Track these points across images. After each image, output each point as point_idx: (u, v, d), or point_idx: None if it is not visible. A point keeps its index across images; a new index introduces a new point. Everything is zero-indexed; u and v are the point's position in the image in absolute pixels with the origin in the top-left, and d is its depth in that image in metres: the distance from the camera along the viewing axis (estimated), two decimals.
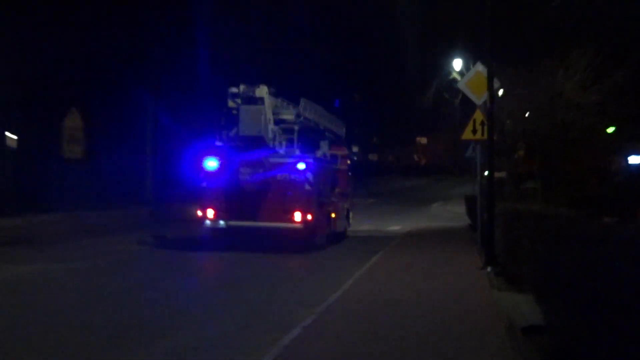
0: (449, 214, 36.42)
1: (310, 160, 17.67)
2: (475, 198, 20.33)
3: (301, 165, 17.41)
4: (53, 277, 13.07)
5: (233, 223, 17.30)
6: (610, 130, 29.04)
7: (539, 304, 8.53)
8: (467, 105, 24.23)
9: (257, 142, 17.25)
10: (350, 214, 23.18)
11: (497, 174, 15.94)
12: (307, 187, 17.35)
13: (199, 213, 17.55)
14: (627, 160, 41.24)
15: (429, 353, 7.31)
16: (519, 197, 22.91)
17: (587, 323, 5.46)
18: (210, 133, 18.33)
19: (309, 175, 17.39)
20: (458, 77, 27.18)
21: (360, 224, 26.40)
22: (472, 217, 24.21)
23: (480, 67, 15.75)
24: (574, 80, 17.70)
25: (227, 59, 38.47)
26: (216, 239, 17.68)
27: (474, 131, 15.85)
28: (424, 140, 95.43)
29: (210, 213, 17.42)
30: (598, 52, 17.94)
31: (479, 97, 15.27)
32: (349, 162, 23.12)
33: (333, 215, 19.90)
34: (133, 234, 21.39)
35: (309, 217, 17.37)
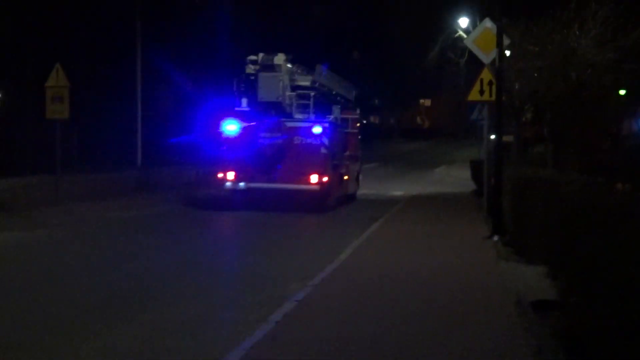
0: (453, 178, 36.14)
1: (326, 125, 19.01)
2: (481, 162, 20.40)
3: (317, 129, 18.74)
4: (30, 245, 12.77)
5: (252, 184, 18.71)
6: (622, 92, 28.59)
7: (551, 278, 8.24)
8: (473, 65, 23.72)
9: (274, 107, 18.87)
10: (360, 177, 24.71)
11: (504, 138, 15.55)
12: (323, 150, 18.73)
13: (220, 175, 19.01)
14: (638, 124, 40.90)
15: (427, 335, 6.93)
16: (527, 162, 22.47)
17: (606, 302, 5.17)
18: (210, 96, 19.24)
19: (324, 139, 18.74)
20: (464, 35, 26.58)
21: (363, 188, 26.27)
22: (478, 183, 24.00)
23: (489, 24, 15.32)
24: (589, 37, 17.08)
25: (221, 17, 38.03)
26: (235, 199, 19.24)
27: (481, 92, 15.40)
28: (427, 102, 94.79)
29: (230, 175, 18.81)
30: (617, 4, 17.28)
31: (487, 55, 14.85)
32: (358, 125, 24.66)
33: (345, 177, 21.56)
34: (120, 199, 21.21)
35: (325, 179, 18.71)
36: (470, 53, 28.02)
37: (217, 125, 19.10)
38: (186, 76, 37.49)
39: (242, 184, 18.78)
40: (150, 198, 22.38)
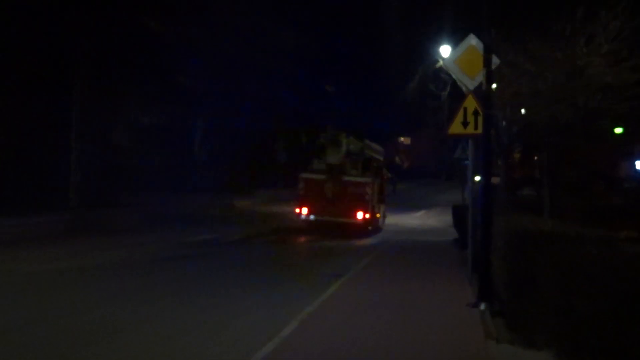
0: (433, 225, 35.24)
1: (368, 180, 28.99)
2: (465, 208, 19.00)
3: (363, 182, 28.98)
4: None
5: (319, 217, 28.72)
6: (619, 130, 27.23)
7: None
8: (457, 98, 22.45)
9: (337, 167, 29.28)
10: (386, 215, 34.38)
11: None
12: (366, 197, 28.71)
13: (297, 210, 29.04)
14: (635, 166, 39.64)
15: None
16: (516, 206, 20.88)
17: None
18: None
19: (367, 190, 28.77)
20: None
21: (328, 238, 26.02)
22: (461, 231, 22.42)
23: (473, 41, 13.81)
24: (600, 54, 15.19)
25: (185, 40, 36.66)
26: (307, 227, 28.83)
27: (465, 123, 13.91)
28: (407, 140, 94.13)
29: (304, 211, 28.79)
30: (634, 15, 15.40)
31: (472, 79, 13.28)
32: (386, 177, 36.40)
33: (377, 215, 31.42)
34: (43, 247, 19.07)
35: (367, 216, 28.55)
36: (453, 85, 26.47)
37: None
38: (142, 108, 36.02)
39: (312, 217, 28.81)
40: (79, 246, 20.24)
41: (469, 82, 13.83)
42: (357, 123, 69.98)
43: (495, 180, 21.44)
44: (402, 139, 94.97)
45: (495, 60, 12.53)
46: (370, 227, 29.69)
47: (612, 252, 7.51)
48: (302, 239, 25.85)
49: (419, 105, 44.81)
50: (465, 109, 13.86)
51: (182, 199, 38.52)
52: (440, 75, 30.05)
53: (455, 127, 14.07)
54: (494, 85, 13.69)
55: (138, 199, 33.49)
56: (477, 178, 14.62)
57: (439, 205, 46.76)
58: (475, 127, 13.62)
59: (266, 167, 51.29)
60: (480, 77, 12.68)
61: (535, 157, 35.63)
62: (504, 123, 23.21)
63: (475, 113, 13.59)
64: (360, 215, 28.72)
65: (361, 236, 27.51)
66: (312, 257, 20.92)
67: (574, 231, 9.08)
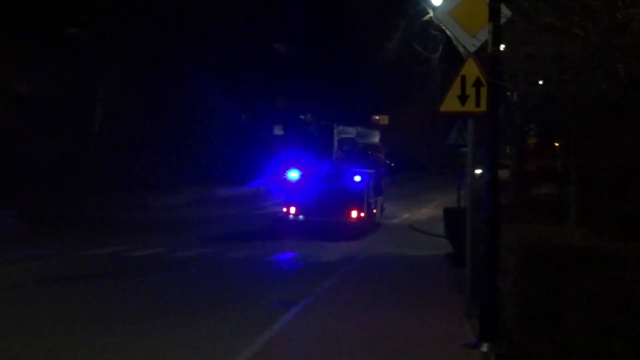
0: (420, 233, 35.94)
1: (363, 173, 33.92)
2: (461, 212, 19.22)
3: (357, 178, 33.68)
4: None
5: (309, 217, 33.18)
6: None
7: None
8: (452, 63, 22.36)
9: (328, 160, 34.74)
10: (385, 206, 40.77)
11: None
12: (360, 193, 33.62)
13: (284, 210, 33.88)
14: None
15: None
16: (532, 210, 20.99)
17: None
18: None
19: (362, 185, 33.68)
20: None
21: (284, 250, 26.97)
22: (456, 243, 22.56)
23: None
24: None
25: None
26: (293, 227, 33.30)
27: (463, 97, 14.11)
28: (384, 119, 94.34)
29: (292, 210, 33.55)
30: None
31: (473, 35, 13.28)
32: (383, 157, 42.78)
33: (374, 210, 36.76)
34: None
35: (362, 214, 33.51)
36: (448, 45, 26.44)
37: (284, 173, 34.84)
38: None
39: (301, 217, 33.44)
40: None
41: (468, 41, 13.93)
42: (311, 94, 70.60)
43: (503, 174, 21.51)
44: (377, 117, 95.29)
45: (506, 11, 12.55)
46: (365, 227, 34.34)
47: None
48: (245, 251, 25.91)
49: (400, 73, 44.81)
50: (463, 78, 13.97)
51: (81, 197, 38.20)
52: (429, 32, 29.95)
53: (450, 103, 14.21)
54: (502, 46, 13.63)
55: (22, 197, 33.27)
56: (479, 171, 14.60)
57: (427, 207, 47.32)
58: (477, 103, 13.75)
59: (196, 157, 51.36)
60: (484, 34, 12.64)
61: (557, 144, 35.84)
62: (515, 97, 23.18)
63: (477, 84, 13.70)
64: (354, 214, 33.40)
65: (338, 241, 31.04)
66: (261, 277, 21.12)
67: (612, 246, 9.02)
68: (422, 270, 22.44)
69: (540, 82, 19.86)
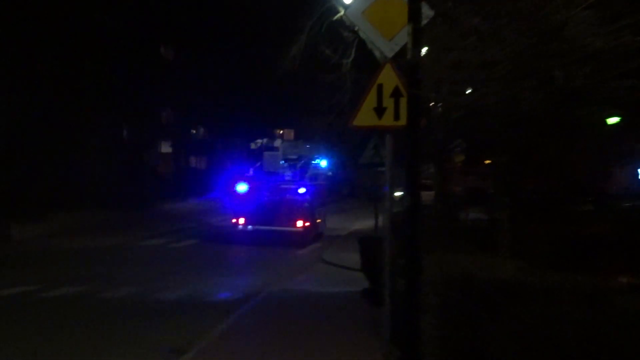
0: (331, 266, 35.30)
1: (306, 186, 45.03)
2: (378, 242, 18.57)
3: (301, 190, 44.54)
4: None
5: (257, 227, 41.04)
6: (613, 121, 27.92)
7: None
8: (366, 69, 22.45)
9: (273, 174, 57.29)
10: (326, 218, 48.62)
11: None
12: (305, 204, 42.67)
13: (233, 220, 41.90)
14: (637, 174, 41.00)
15: None
16: (457, 238, 21.14)
17: None
18: None
19: (306, 196, 43.63)
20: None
21: (167, 290, 26.25)
22: (373, 278, 22.43)
23: None
24: (588, 2, 15.27)
25: None
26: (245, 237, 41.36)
27: (379, 110, 14.25)
28: (289, 133, 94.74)
29: (242, 220, 41.50)
30: None
31: (390, 38, 13.35)
32: (329, 174, 60.01)
33: (318, 220, 44.63)
34: None
35: (307, 224, 41.42)
36: (361, 49, 26.65)
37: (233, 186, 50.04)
38: None
39: (250, 226, 41.15)
40: None
41: (385, 46, 13.99)
42: (205, 106, 70.35)
43: (428, 196, 21.66)
44: (280, 131, 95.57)
45: (427, 12, 12.69)
46: (310, 236, 42.97)
47: (607, 311, 7.79)
48: (127, 289, 25.66)
49: (307, 81, 44.79)
50: (380, 87, 14.06)
51: None
52: (340, 33, 30.01)
53: (365, 116, 14.32)
54: (424, 50, 13.78)
55: None
56: (399, 194, 14.65)
57: (340, 236, 47.21)
58: (396, 116, 13.86)
59: (66, 179, 50.65)
60: (403, 38, 12.77)
61: (487, 162, 36.19)
62: (439, 109, 23.38)
63: (396, 94, 13.83)
64: (300, 223, 41.70)
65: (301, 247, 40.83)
66: (143, 317, 21.06)
67: (547, 279, 9.19)
68: (333, 310, 22.31)
69: (467, 92, 20.14)
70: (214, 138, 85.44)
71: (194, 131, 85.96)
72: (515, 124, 18.53)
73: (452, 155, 32.15)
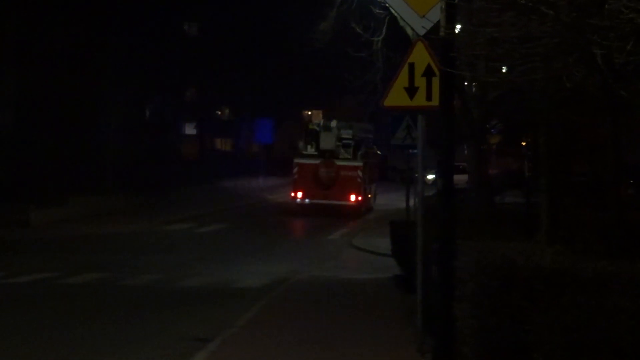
0: (361, 252, 35.28)
1: (360, 163, 49.97)
2: (411, 226, 19.14)
3: (355, 164, 49.88)
4: None
5: (314, 200, 49.02)
6: None
7: None
8: (398, 48, 22.33)
9: (329, 152, 50.02)
10: (377, 193, 57.38)
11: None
12: (358, 180, 49.04)
13: (292, 194, 50.58)
14: None
15: None
16: (495, 223, 21.05)
17: None
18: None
19: (359, 173, 49.26)
20: None
21: (195, 275, 26.70)
22: (405, 264, 22.51)
23: None
24: None
25: None
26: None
27: (411, 90, 14.17)
28: (317, 114, 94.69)
29: (300, 194, 49.36)
30: None
31: (422, 14, 13.27)
32: (378, 152, 61.26)
33: (369, 195, 52.89)
34: None
35: (360, 198, 49.18)
36: (392, 26, 26.48)
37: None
38: None
39: (307, 200, 49.28)
40: None
41: (417, 23, 13.89)
42: (229, 86, 70.17)
43: (461, 179, 21.56)
44: (309, 112, 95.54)
45: None
46: (363, 209, 50.75)
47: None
48: (149, 276, 25.83)
49: (336, 59, 44.71)
50: (411, 66, 14.00)
51: None
52: (371, 10, 29.94)
53: (396, 96, 14.29)
54: (458, 27, 13.70)
55: None
56: (431, 177, 14.57)
57: (369, 220, 47.45)
58: (428, 96, 13.78)
59: (87, 161, 50.74)
60: (435, 14, 12.84)
61: (525, 143, 36.04)
62: (474, 88, 23.23)
63: (428, 73, 13.76)
64: (353, 197, 49.06)
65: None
66: (166, 305, 21.24)
67: (591, 267, 9.06)
68: (363, 297, 22.34)
69: (504, 70, 19.94)
70: (239, 119, 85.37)
71: (219, 112, 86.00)
72: (557, 103, 18.42)
73: (488, 136, 32.02)
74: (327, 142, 49.73)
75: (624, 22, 13.55)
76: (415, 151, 18.24)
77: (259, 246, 35.94)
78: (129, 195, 50.82)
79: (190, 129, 78.42)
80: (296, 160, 50.43)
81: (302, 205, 49.69)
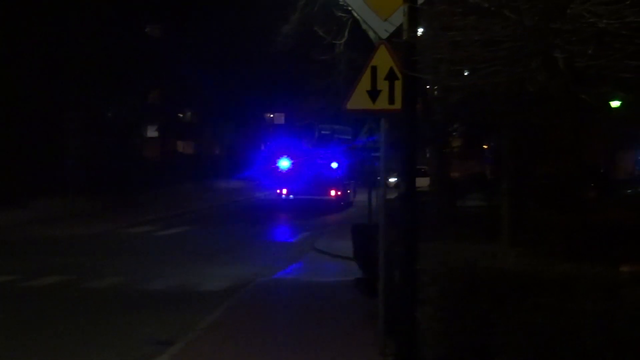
0: (323, 255, 35.11)
1: (338, 162, 56.09)
2: (373, 229, 19.23)
3: (334, 165, 57.29)
4: None
5: (297, 196, 57.53)
6: (616, 104, 27.79)
7: None
8: (360, 50, 22.33)
9: (311, 151, 59.15)
10: (357, 190, 59.18)
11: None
12: (337, 176, 57.29)
13: (278, 190, 59.88)
14: None
15: None
16: (457, 226, 21.10)
17: None
18: None
19: (338, 170, 56.91)
20: None
21: (152, 275, 26.79)
22: (367, 268, 22.50)
23: None
24: None
25: None
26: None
27: (374, 93, 14.17)
28: (279, 117, 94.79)
29: (285, 190, 59.01)
30: None
31: (385, 17, 13.35)
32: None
33: (348, 191, 58.98)
34: None
35: (339, 192, 57.47)
36: (355, 29, 26.48)
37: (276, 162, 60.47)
38: None
39: (291, 195, 57.85)
40: None
41: (379, 26, 13.85)
42: (192, 88, 69.96)
43: (423, 182, 21.57)
44: (271, 115, 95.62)
45: None
46: (342, 203, 56.42)
47: (617, 304, 7.89)
48: (110, 279, 25.74)
49: (299, 63, 44.64)
50: (374, 70, 13.99)
51: None
52: (333, 13, 29.84)
53: (359, 99, 14.26)
54: (420, 31, 13.67)
55: None
56: (393, 179, 14.56)
57: (331, 224, 47.13)
58: (391, 100, 13.79)
59: (48, 162, 50.41)
60: (398, 17, 12.77)
61: (487, 147, 36.10)
62: (436, 92, 23.20)
63: (391, 76, 13.75)
64: (333, 192, 56.43)
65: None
66: (128, 308, 21.11)
67: (555, 270, 9.09)
68: (325, 301, 22.25)
69: (466, 74, 19.95)
70: (202, 122, 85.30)
71: (181, 115, 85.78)
72: (523, 105, 18.46)
73: (450, 139, 32.07)
74: (309, 141, 56.85)
75: (586, 26, 13.62)
76: (377, 154, 18.26)
77: (222, 249, 35.83)
78: (90, 198, 50.50)
79: (152, 132, 78.10)
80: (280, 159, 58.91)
81: (286, 200, 58.23)
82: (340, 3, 21.83)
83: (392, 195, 19.83)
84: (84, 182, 51.12)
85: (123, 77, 58.30)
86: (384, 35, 13.81)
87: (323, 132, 54.17)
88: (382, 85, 13.94)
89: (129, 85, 61.32)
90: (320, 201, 55.74)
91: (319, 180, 56.92)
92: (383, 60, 13.88)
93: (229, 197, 67.11)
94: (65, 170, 49.96)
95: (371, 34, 14.27)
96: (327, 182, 57.14)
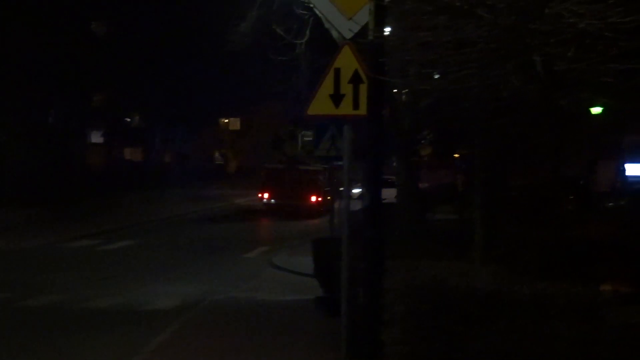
0: (281, 272, 35.21)
1: (320, 168, 57.80)
2: (335, 243, 18.84)
3: (315, 170, 61.41)
4: None
5: (278, 201, 62.66)
6: (597, 111, 27.97)
7: None
8: (323, 51, 22.36)
9: (294, 158, 63.92)
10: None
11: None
12: (319, 183, 61.98)
13: (259, 195, 65.02)
14: (623, 170, 41.23)
15: None
16: (426, 241, 21.13)
17: None
18: None
19: (320, 177, 61.41)
20: None
21: (99, 296, 26.27)
22: (329, 285, 22.47)
23: None
24: None
25: None
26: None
27: (337, 97, 14.23)
28: (235, 122, 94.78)
29: (266, 195, 63.53)
30: None
31: (349, 16, 13.34)
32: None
33: (329, 197, 50.84)
34: None
35: (320, 199, 61.61)
36: (317, 28, 26.56)
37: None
38: None
39: (273, 200, 62.67)
40: None
41: (343, 24, 13.96)
42: (140, 90, 69.79)
43: (390, 194, 21.58)
44: (225, 120, 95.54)
45: None
46: (322, 209, 58.08)
47: (597, 326, 8.04)
48: (47, 298, 25.57)
49: (256, 63, 44.69)
50: (337, 72, 14.03)
51: None
52: (294, 11, 29.86)
53: (321, 104, 14.30)
54: (387, 30, 13.72)
55: None
56: (357, 190, 14.63)
57: (290, 237, 47.29)
58: (355, 104, 13.84)
59: None
60: (364, 16, 12.90)
61: (458, 155, 36.17)
62: (404, 96, 23.25)
63: (356, 79, 13.81)
64: (313, 199, 60.75)
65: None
66: (69, 328, 20.94)
67: (528, 289, 9.17)
68: (282, 322, 22.21)
69: (437, 77, 19.99)
70: (151, 127, 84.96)
71: (129, 119, 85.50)
72: (497, 111, 18.50)
73: (419, 147, 32.17)
74: (292, 148, 60.72)
75: (566, 27, 13.70)
76: (340, 163, 18.27)
77: (171, 265, 35.74)
78: (29, 208, 50.24)
79: (97, 137, 77.81)
80: (264, 165, 65.91)
81: (268, 204, 62.99)
82: (305, 1, 21.86)
83: (356, 207, 19.87)
84: (21, 191, 50.86)
85: (65, 78, 57.97)
86: (349, 35, 13.89)
87: (306, 138, 56.27)
88: (346, 89, 14.00)
89: (71, 87, 61.02)
90: (299, 207, 60.19)
91: (299, 186, 61.55)
92: (347, 62, 13.93)
93: (184, 208, 66.72)
94: (0, 179, 49.75)
95: (334, 34, 14.31)
96: (308, 189, 61.74)
